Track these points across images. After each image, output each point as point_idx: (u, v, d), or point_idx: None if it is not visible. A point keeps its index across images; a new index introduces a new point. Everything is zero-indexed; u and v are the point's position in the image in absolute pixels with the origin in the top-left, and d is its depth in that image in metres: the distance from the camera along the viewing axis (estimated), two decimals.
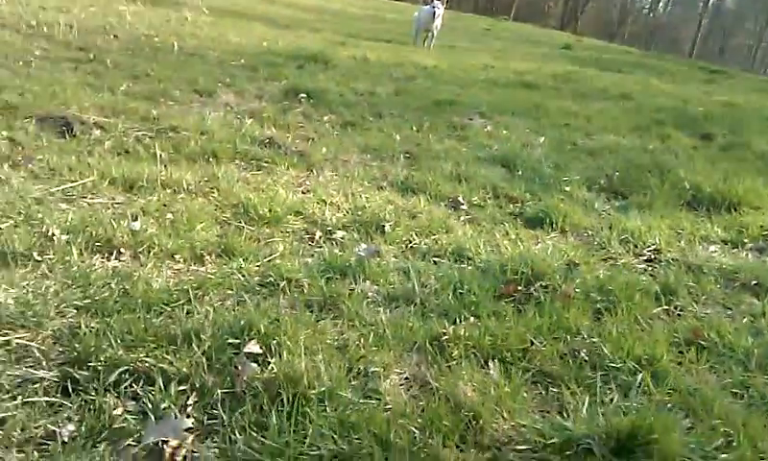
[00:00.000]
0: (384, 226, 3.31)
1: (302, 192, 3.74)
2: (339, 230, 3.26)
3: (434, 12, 12.40)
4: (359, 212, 3.49)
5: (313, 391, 1.86)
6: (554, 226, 3.75)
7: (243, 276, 2.62)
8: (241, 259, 2.75)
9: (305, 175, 4.07)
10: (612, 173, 4.99)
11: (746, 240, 3.87)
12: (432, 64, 9.45)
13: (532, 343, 2.38)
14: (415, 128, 5.74)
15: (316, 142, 4.81)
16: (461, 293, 2.69)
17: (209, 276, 2.59)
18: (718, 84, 13.79)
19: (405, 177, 4.22)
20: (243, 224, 3.16)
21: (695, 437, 1.93)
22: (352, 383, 1.97)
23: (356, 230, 3.26)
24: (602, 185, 4.73)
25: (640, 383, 2.21)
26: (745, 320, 2.82)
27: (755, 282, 3.21)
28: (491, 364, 2.24)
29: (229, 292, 2.49)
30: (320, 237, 3.15)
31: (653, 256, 3.49)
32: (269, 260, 2.79)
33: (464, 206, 3.91)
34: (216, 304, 2.37)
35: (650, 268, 3.34)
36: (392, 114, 6.12)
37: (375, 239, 3.19)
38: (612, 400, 2.11)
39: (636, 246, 3.58)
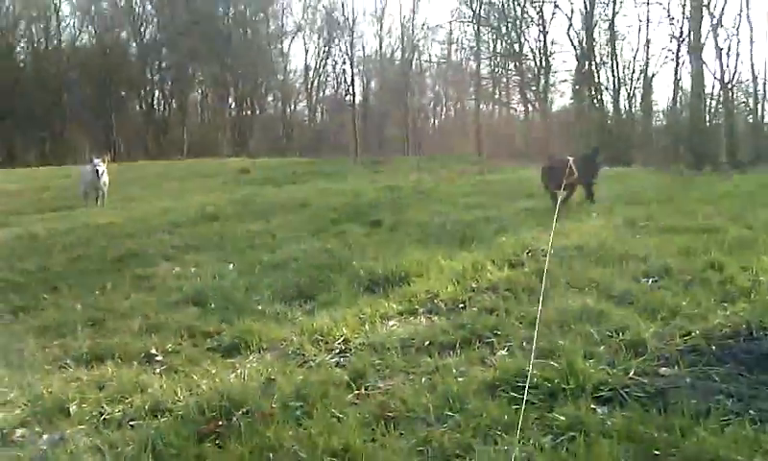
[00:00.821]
0: (68, 407, 3.08)
1: None
2: (17, 428, 2.95)
3: (97, 170, 12.16)
4: (39, 403, 3.19)
5: None
6: (251, 348, 3.85)
7: None
8: None
9: None
10: (300, 280, 5.32)
11: (417, 307, 4.40)
12: (107, 221, 9.13)
13: None
14: (98, 291, 5.46)
15: None
16: (160, 451, 2.61)
17: None
18: (380, 174, 15.61)
19: (89, 347, 3.99)
20: None
21: None
22: None
23: (37, 423, 2.98)
24: (292, 294, 5.01)
25: None
26: (423, 379, 3.19)
27: (427, 343, 3.67)
28: None
29: None
30: None
31: (343, 347, 3.79)
32: None
33: (158, 358, 3.83)
34: None
35: (342, 359, 3.61)
36: (69, 285, 5.74)
37: (60, 425, 2.94)
38: None
39: (326, 342, 3.85)
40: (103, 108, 39.50)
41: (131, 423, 2.96)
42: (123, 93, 42.21)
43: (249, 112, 43.44)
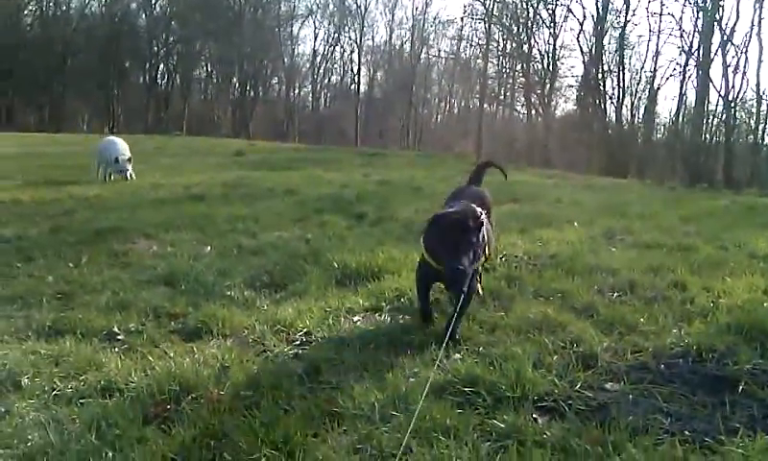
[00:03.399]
0: (21, 381, 3.10)
1: None
2: None
3: (120, 167, 11.16)
4: None
5: None
6: (213, 333, 3.88)
7: None
8: None
9: None
10: (273, 268, 5.34)
11: (384, 304, 4.43)
12: (94, 194, 9.15)
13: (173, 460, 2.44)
14: (72, 264, 5.47)
15: None
16: (104, 431, 2.64)
17: None
18: (374, 167, 15.61)
19: (53, 320, 4.00)
20: None
21: None
22: None
23: None
24: (264, 282, 5.03)
25: None
26: (375, 378, 3.22)
27: (387, 341, 3.70)
28: None
29: None
30: None
31: (304, 339, 3.81)
32: None
33: (120, 336, 3.84)
34: None
35: (301, 351, 3.64)
36: (45, 255, 5.75)
37: (10, 398, 2.97)
38: None
39: (288, 333, 3.87)
40: (105, 77, 39.47)
41: (81, 400, 2.98)
42: (127, 64, 42.16)
43: (251, 94, 43.34)
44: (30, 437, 2.62)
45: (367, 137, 36.76)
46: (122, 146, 11.47)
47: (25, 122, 35.66)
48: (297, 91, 44.64)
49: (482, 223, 3.58)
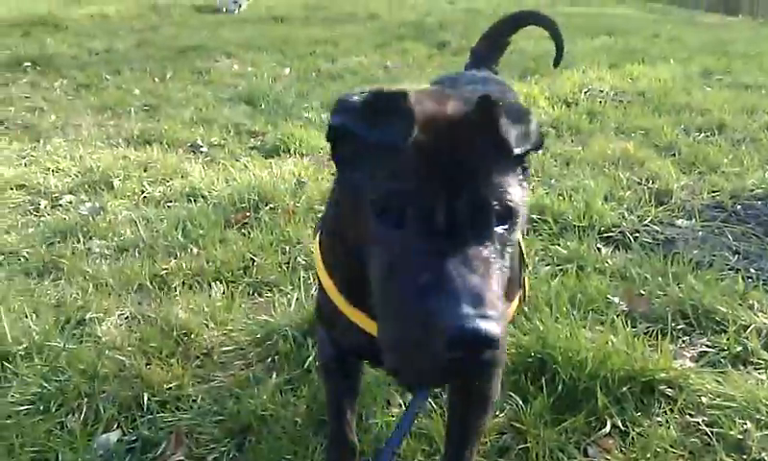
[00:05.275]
0: (113, 182, 3.35)
1: (25, 164, 3.62)
2: (66, 194, 3.25)
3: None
4: (88, 174, 3.47)
5: (19, 347, 1.95)
6: (291, 152, 4.00)
7: None
8: None
9: (31, 146, 3.93)
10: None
11: None
12: (178, 12, 9.19)
13: (253, 261, 2.63)
14: (157, 79, 5.66)
15: (45, 111, 4.61)
16: (189, 230, 2.85)
17: None
18: None
19: (141, 130, 4.23)
20: None
21: None
22: (67, 333, 2.07)
23: (84, 192, 3.27)
24: None
25: None
26: None
27: None
28: (213, 286, 2.45)
29: None
30: (45, 206, 3.12)
31: None
32: None
33: (203, 149, 4.03)
34: None
35: None
36: (132, 69, 5.96)
37: (104, 197, 3.22)
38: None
39: None
40: None
41: (167, 204, 3.21)
42: None
43: None
44: (122, 232, 2.87)
45: None
46: None
47: None
48: None
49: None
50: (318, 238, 1.30)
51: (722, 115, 4.46)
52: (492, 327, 0.79)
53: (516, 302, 1.28)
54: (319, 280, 1.28)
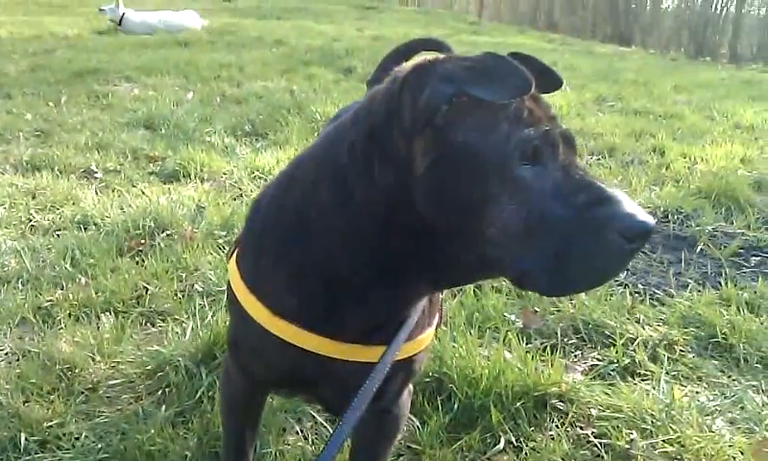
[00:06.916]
0: None
1: None
2: None
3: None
4: None
5: None
6: (191, 177, 3.91)
7: None
8: None
9: None
10: (256, 117, 5.30)
11: None
12: (75, 33, 8.85)
13: (146, 289, 2.53)
14: (51, 103, 5.41)
15: None
16: (78, 259, 2.72)
17: None
18: (369, 20, 15.06)
19: (30, 156, 4.02)
20: None
21: None
22: None
23: None
24: (245, 131, 5.00)
25: None
26: None
27: None
28: (102, 317, 2.34)
29: None
30: None
31: None
32: None
33: (97, 175, 3.87)
34: None
35: None
36: (24, 93, 5.68)
37: None
38: (215, 318, 2.34)
39: (266, 180, 3.90)
40: None
41: (56, 232, 3.05)
42: None
43: None
44: (6, 263, 2.70)
45: None
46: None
47: None
48: None
49: None
50: (236, 258, 1.20)
51: (613, 139, 4.72)
52: (650, 218, 0.93)
53: (434, 326, 1.29)
54: (236, 308, 1.18)
